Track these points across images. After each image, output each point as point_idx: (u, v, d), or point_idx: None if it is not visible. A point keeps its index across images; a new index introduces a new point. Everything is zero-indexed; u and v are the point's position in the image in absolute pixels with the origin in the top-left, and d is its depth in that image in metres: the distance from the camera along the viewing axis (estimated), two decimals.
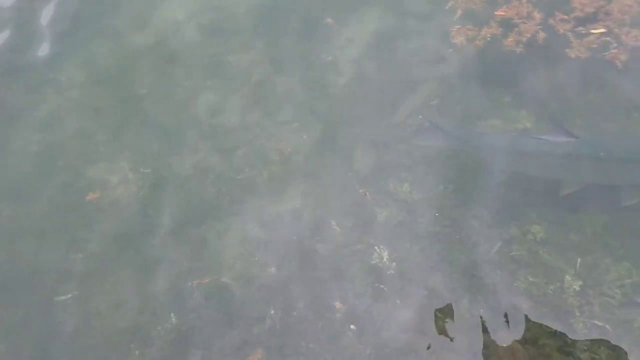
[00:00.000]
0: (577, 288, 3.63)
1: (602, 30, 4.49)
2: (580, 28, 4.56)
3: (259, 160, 4.67)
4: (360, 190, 4.32)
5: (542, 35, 4.57)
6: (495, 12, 4.79)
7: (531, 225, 3.91)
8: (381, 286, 3.88)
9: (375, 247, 4.03)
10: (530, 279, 3.72)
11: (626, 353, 3.38)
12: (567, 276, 3.69)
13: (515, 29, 4.66)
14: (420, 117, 4.64)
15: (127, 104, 5.22)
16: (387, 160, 4.48)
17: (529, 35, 4.58)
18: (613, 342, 3.42)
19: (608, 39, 4.44)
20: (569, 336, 3.47)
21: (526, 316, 3.54)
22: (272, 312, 3.91)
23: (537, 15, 4.69)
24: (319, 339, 3.76)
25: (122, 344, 3.99)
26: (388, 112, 4.73)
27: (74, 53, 5.70)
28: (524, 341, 3.48)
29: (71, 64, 5.64)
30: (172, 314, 4.03)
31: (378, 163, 4.48)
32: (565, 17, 4.64)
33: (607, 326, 3.49)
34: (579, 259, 3.75)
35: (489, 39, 4.67)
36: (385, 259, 3.97)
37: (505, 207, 4.03)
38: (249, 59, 5.30)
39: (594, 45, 4.44)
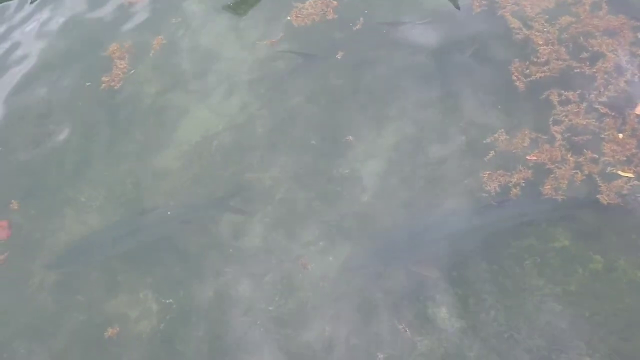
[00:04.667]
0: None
1: (631, 175, 4.30)
2: (610, 168, 4.40)
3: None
4: (400, 327, 4.14)
5: (579, 177, 4.39)
6: (527, 157, 4.60)
7: None
8: None
9: None
10: None
11: None
12: None
13: (551, 175, 4.46)
14: None
15: None
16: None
17: (566, 182, 4.38)
18: None
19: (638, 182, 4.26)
20: None
21: None
22: None
23: (571, 159, 4.49)
24: None
25: None
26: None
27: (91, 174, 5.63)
28: None
29: (89, 183, 5.55)
30: None
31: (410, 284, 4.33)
32: (595, 156, 4.47)
33: None
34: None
35: (523, 184, 4.48)
36: None
37: None
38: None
39: (624, 192, 4.24)
